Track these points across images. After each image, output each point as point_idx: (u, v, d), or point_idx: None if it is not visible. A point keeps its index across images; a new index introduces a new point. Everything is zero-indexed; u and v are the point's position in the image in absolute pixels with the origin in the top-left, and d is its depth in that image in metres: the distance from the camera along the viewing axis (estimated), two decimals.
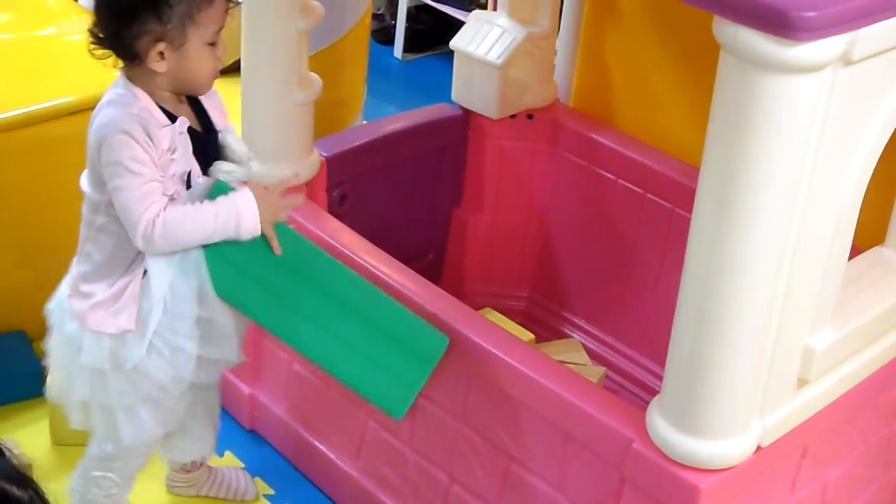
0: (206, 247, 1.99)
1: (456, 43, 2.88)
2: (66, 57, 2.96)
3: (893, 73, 1.75)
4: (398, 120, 2.91)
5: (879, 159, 1.82)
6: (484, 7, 4.42)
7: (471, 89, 2.89)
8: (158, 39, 1.93)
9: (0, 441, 1.30)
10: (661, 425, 1.88)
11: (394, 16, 4.81)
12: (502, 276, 3.08)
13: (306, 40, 2.50)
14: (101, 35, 1.97)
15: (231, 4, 2.01)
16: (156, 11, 1.91)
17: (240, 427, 2.73)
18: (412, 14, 4.78)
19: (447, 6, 4.65)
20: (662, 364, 1.89)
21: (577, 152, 2.90)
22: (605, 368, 2.90)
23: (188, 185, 2.02)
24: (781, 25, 1.52)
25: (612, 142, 2.84)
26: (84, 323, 2.05)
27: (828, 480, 2.18)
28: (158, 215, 1.92)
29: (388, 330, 2.08)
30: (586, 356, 2.91)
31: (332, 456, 2.53)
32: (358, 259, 2.33)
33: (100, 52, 1.99)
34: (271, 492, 2.60)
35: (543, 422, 2.08)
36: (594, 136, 2.87)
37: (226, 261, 2.01)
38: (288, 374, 2.58)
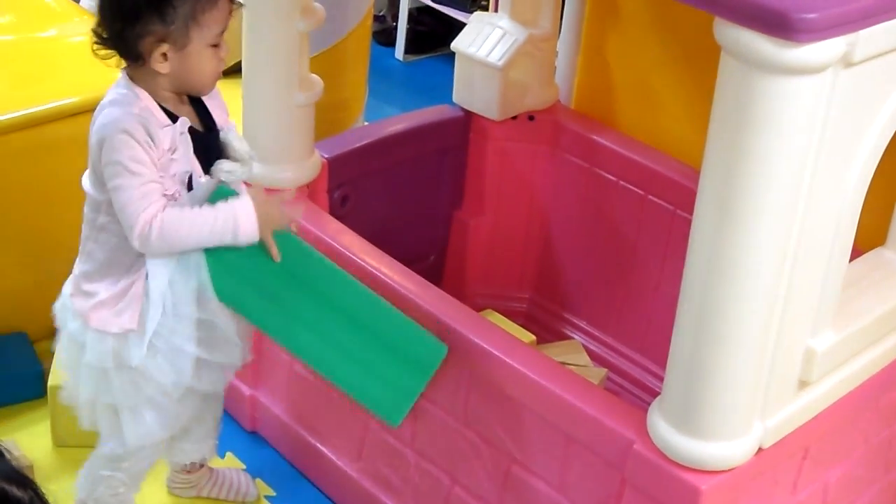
0: (207, 251, 1.99)
1: (457, 44, 2.88)
2: (68, 58, 2.96)
3: (894, 74, 1.75)
4: (399, 121, 2.91)
5: (880, 161, 1.82)
6: (485, 9, 4.42)
7: (472, 91, 2.89)
8: (162, 40, 1.93)
9: (0, 442, 1.30)
10: (662, 427, 1.88)
11: (395, 17, 4.81)
12: (503, 277, 3.08)
13: (307, 42, 2.50)
14: (104, 35, 1.97)
15: (234, 6, 2.01)
16: (159, 12, 1.91)
17: (241, 428, 2.73)
18: (413, 16, 4.79)
19: (448, 8, 4.65)
20: (663, 365, 1.89)
21: (579, 154, 2.90)
22: (606, 370, 2.90)
23: (189, 187, 2.02)
24: (782, 27, 1.52)
25: (613, 143, 2.84)
26: (86, 322, 2.06)
27: (829, 482, 2.17)
28: (156, 216, 1.92)
29: (386, 338, 2.08)
30: (587, 358, 2.91)
31: (333, 457, 2.53)
32: (359, 261, 2.33)
33: (103, 51, 1.99)
34: (272, 493, 2.60)
35: (544, 423, 2.08)
36: (595, 137, 2.87)
37: (227, 266, 2.01)
38: (289, 375, 2.58)
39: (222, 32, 1.99)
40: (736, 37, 1.56)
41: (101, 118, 1.97)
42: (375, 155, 2.81)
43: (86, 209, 2.07)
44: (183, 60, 1.96)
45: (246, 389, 2.66)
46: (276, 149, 2.52)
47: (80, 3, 3.71)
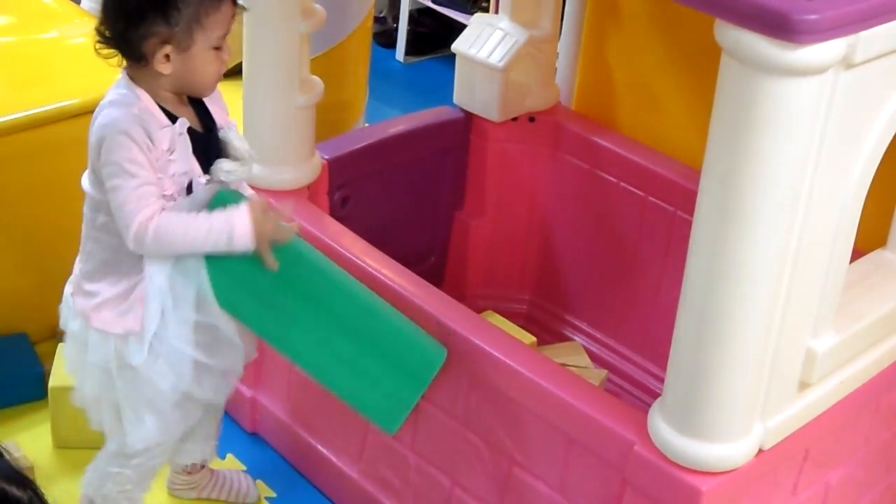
0: (207, 258, 2.00)
1: (457, 46, 2.88)
2: (69, 60, 2.97)
3: (894, 75, 1.75)
4: (400, 123, 2.91)
5: (881, 162, 1.82)
6: (485, 10, 4.42)
7: (472, 92, 2.89)
8: (165, 42, 1.93)
9: (0, 443, 1.30)
10: (662, 428, 1.88)
11: (396, 19, 4.81)
12: (504, 278, 3.08)
13: (308, 43, 2.50)
14: (107, 34, 1.98)
15: (237, 10, 2.01)
16: (164, 14, 1.91)
17: (241, 430, 2.73)
18: (414, 17, 4.79)
19: (449, 9, 4.65)
20: (664, 367, 1.89)
21: (579, 155, 2.90)
22: (606, 371, 2.89)
23: (189, 189, 2.02)
24: (783, 28, 1.52)
25: (613, 144, 2.84)
26: (88, 321, 2.07)
27: (829, 483, 2.17)
28: (152, 219, 1.93)
29: (383, 347, 2.08)
30: (588, 359, 2.92)
31: (333, 459, 2.53)
32: (359, 262, 2.34)
33: (105, 50, 1.99)
34: (273, 494, 2.60)
35: (545, 425, 2.08)
36: (596, 138, 2.87)
37: (226, 272, 2.01)
38: (290, 376, 2.58)
39: (225, 35, 2.00)
40: (736, 38, 1.56)
41: (100, 118, 1.97)
42: (376, 156, 2.81)
43: (85, 209, 2.07)
44: (185, 62, 1.96)
45: (246, 391, 2.66)
46: (277, 150, 2.52)
47: (81, 5, 3.71)
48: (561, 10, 2.93)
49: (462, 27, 3.06)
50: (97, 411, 2.19)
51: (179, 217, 1.96)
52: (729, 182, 1.65)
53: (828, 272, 1.85)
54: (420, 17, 4.81)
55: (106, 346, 2.07)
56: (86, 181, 2.04)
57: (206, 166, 2.04)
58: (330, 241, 2.39)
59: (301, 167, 2.56)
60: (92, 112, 2.02)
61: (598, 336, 2.99)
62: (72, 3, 3.35)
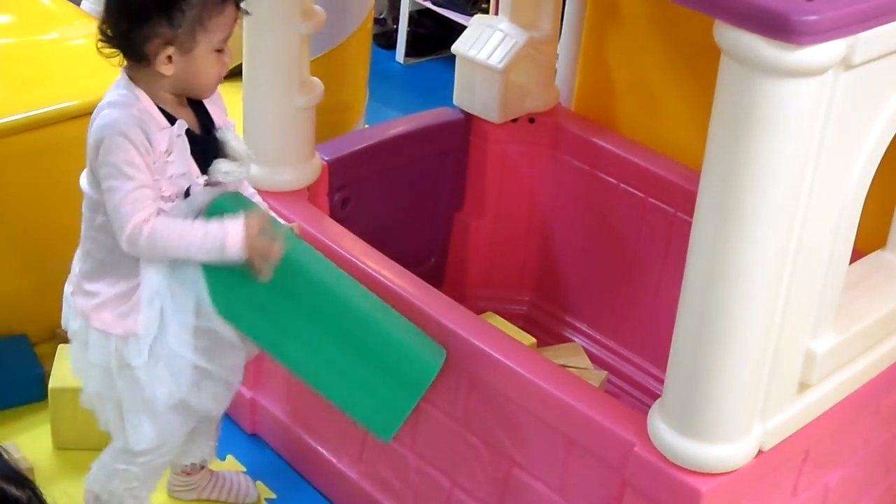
0: (204, 266, 2.00)
1: (457, 47, 2.88)
2: (69, 61, 2.97)
3: (894, 76, 1.75)
4: (400, 124, 2.91)
5: (880, 163, 1.83)
6: (485, 11, 4.42)
7: (472, 93, 2.89)
8: (168, 43, 1.93)
9: (0, 444, 1.30)
10: (662, 429, 1.88)
11: (396, 20, 4.81)
12: (504, 280, 3.08)
13: (308, 45, 2.50)
14: (109, 33, 1.98)
15: (240, 13, 2.02)
16: (168, 16, 1.92)
17: (241, 431, 2.73)
18: (414, 18, 4.79)
19: (449, 10, 4.65)
20: (664, 368, 1.89)
21: (579, 156, 2.90)
22: (606, 372, 2.89)
23: (186, 193, 2.02)
24: (782, 29, 1.52)
25: (613, 146, 2.84)
26: (88, 321, 2.07)
27: (829, 484, 2.17)
28: (147, 221, 1.93)
29: (376, 357, 2.08)
30: (588, 360, 2.91)
31: (333, 460, 2.53)
32: (359, 263, 2.34)
33: (107, 50, 1.99)
34: (273, 496, 2.60)
35: (545, 426, 2.08)
36: (596, 139, 2.87)
37: (222, 281, 2.01)
38: (289, 378, 2.57)
39: (227, 38, 2.00)
40: (736, 39, 1.56)
41: (99, 119, 1.97)
42: (376, 157, 2.81)
43: (84, 209, 2.07)
44: (187, 64, 1.96)
45: (246, 392, 2.66)
46: (277, 151, 2.52)
47: (81, 6, 3.71)
48: (561, 11, 2.93)
49: (462, 28, 3.06)
50: (102, 410, 2.19)
51: (175, 222, 1.96)
52: (728, 183, 1.65)
53: (827, 273, 1.85)
54: (420, 18, 4.81)
55: (106, 346, 2.07)
56: (84, 181, 2.05)
57: (204, 167, 2.04)
58: (330, 243, 2.39)
59: (301, 168, 2.56)
60: (91, 113, 2.02)
61: (598, 337, 2.99)
62: (71, 4, 3.35)
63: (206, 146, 2.05)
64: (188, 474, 2.49)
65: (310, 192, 2.59)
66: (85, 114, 2.64)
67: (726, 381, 1.79)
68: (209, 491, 2.53)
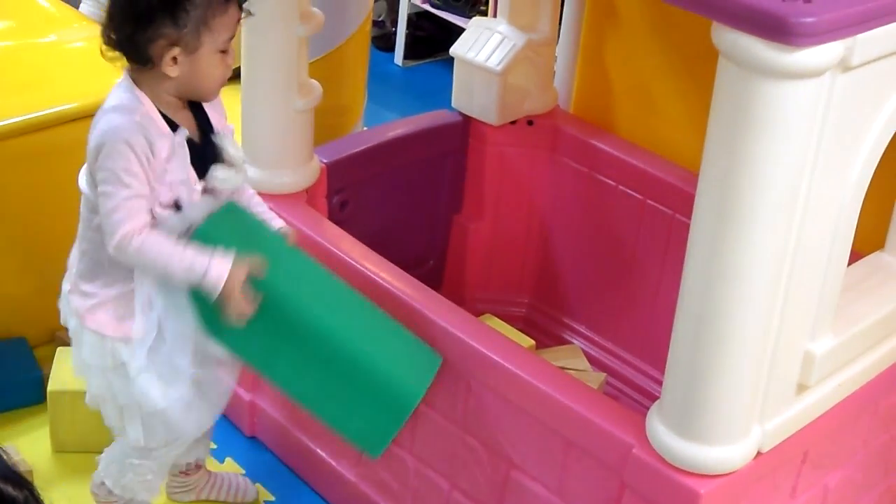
0: (192, 288, 2.00)
1: (456, 49, 2.88)
2: (67, 64, 2.97)
3: (892, 78, 1.75)
4: (398, 126, 2.92)
5: (879, 164, 1.83)
6: (484, 14, 4.42)
7: (471, 96, 2.89)
8: (173, 44, 1.94)
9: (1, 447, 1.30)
10: (661, 431, 1.88)
11: (394, 22, 4.81)
12: (503, 282, 3.09)
13: (307, 47, 2.50)
14: (113, 36, 1.98)
15: (244, 14, 2.02)
16: (172, 16, 1.92)
17: (240, 434, 2.73)
18: (413, 21, 4.79)
19: (447, 13, 4.66)
20: (663, 369, 1.89)
21: (578, 158, 2.90)
22: (605, 374, 2.90)
23: (178, 206, 2.03)
24: (780, 31, 1.52)
25: (612, 148, 2.84)
26: (82, 321, 2.08)
27: (828, 486, 2.17)
28: (139, 232, 1.94)
29: (360, 385, 2.06)
30: (587, 362, 2.92)
31: (332, 462, 2.53)
32: (358, 266, 2.34)
33: (111, 53, 2.00)
34: (272, 498, 2.60)
35: (544, 428, 2.08)
36: (594, 142, 2.87)
37: (208, 303, 2.01)
38: None
39: (231, 39, 2.01)
40: (734, 41, 1.56)
41: (102, 123, 1.98)
42: (375, 160, 2.81)
43: (82, 209, 2.08)
44: (192, 65, 1.97)
45: (245, 394, 2.66)
46: (276, 154, 2.52)
47: (80, 9, 3.71)
48: (559, 13, 2.93)
49: (460, 31, 3.06)
50: (104, 409, 2.20)
51: (165, 242, 1.96)
52: (727, 184, 1.65)
53: (826, 274, 1.85)
54: (419, 20, 4.82)
55: (101, 347, 2.09)
56: (83, 181, 2.05)
57: (202, 173, 2.05)
58: (328, 245, 2.39)
59: (300, 171, 2.56)
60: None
61: (597, 339, 2.99)
62: (70, 7, 3.35)
63: (204, 152, 2.06)
64: (186, 475, 2.50)
65: (308, 195, 2.59)
66: (83, 116, 2.65)
67: (725, 382, 1.79)
68: (208, 491, 2.53)
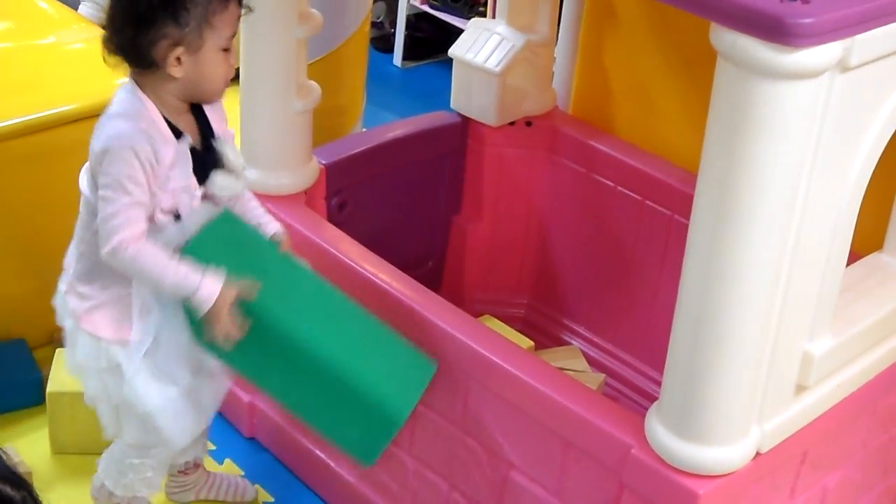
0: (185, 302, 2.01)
1: (454, 50, 2.88)
2: (66, 65, 2.97)
3: (890, 78, 1.75)
4: (397, 127, 2.92)
5: (877, 164, 1.83)
6: (483, 15, 4.42)
7: (470, 97, 2.89)
8: (176, 44, 1.94)
9: (0, 448, 1.30)
10: (659, 431, 1.88)
11: (393, 24, 4.82)
12: (501, 283, 3.09)
13: (305, 48, 2.50)
14: (116, 42, 1.98)
15: (244, 10, 2.02)
16: (174, 15, 1.92)
17: (239, 435, 2.73)
18: (411, 22, 4.79)
19: (446, 14, 4.66)
20: (662, 370, 1.89)
21: (576, 159, 2.90)
22: (604, 375, 2.90)
23: (177, 216, 2.04)
24: (778, 32, 1.52)
25: (610, 149, 2.84)
26: (78, 323, 2.09)
27: (827, 486, 2.18)
28: (136, 240, 1.95)
29: (349, 402, 2.06)
30: (586, 363, 2.92)
31: (331, 463, 2.53)
32: (357, 267, 2.34)
33: (114, 59, 2.00)
34: (271, 499, 2.60)
35: (543, 429, 2.08)
36: (593, 143, 2.87)
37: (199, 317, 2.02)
38: None
39: (233, 36, 2.01)
40: (732, 42, 1.56)
41: (108, 128, 1.97)
42: (373, 161, 2.81)
43: (82, 211, 2.08)
44: (196, 65, 1.97)
45: (244, 395, 2.66)
46: (274, 155, 2.52)
47: (79, 10, 3.71)
48: (558, 14, 2.93)
49: (459, 32, 3.06)
50: (98, 409, 2.21)
51: (159, 254, 1.97)
52: (725, 185, 1.65)
53: (824, 275, 1.85)
54: (417, 21, 4.82)
55: (96, 349, 2.09)
56: (84, 184, 2.05)
57: (202, 178, 2.06)
58: (327, 247, 2.39)
59: (298, 172, 2.56)
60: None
61: (596, 340, 2.99)
62: (69, 8, 3.35)
63: (205, 158, 2.06)
64: (185, 474, 2.50)
65: (307, 196, 2.59)
66: (82, 118, 2.66)
67: (723, 383, 1.79)
68: (207, 490, 2.53)
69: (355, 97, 3.41)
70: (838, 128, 1.69)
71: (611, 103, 2.93)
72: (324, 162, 2.67)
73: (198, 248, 2.00)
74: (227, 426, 2.71)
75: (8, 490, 1.20)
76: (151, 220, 1.99)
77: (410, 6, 4.74)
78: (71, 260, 2.13)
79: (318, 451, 2.56)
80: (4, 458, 1.26)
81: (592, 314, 2.99)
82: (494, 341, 2.18)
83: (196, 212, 2.05)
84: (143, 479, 2.28)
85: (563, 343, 3.02)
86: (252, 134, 2.53)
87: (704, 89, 1.69)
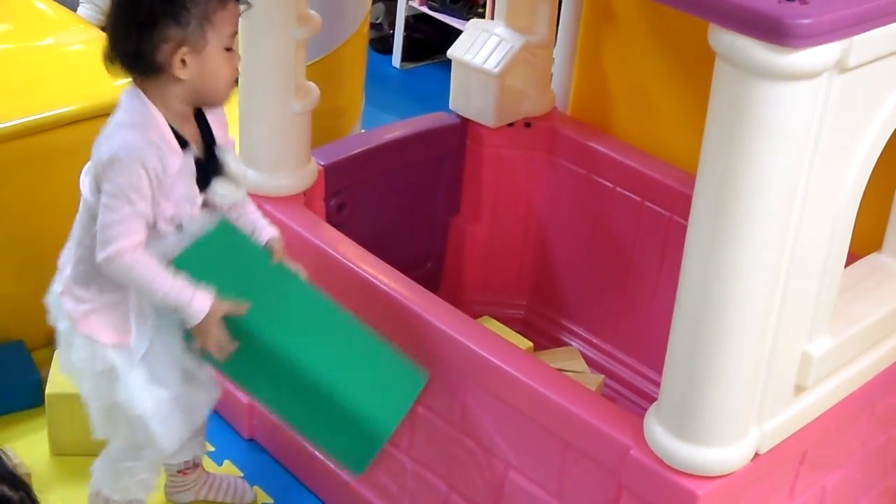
0: None
1: (453, 52, 2.88)
2: (65, 67, 2.97)
3: (889, 79, 1.75)
4: (396, 129, 2.92)
5: (876, 165, 1.83)
6: (481, 16, 4.43)
7: (468, 98, 2.89)
8: (180, 44, 1.94)
9: (0, 449, 1.30)
10: (658, 432, 1.88)
11: (392, 25, 4.82)
12: (500, 284, 3.09)
13: (304, 50, 2.50)
14: (119, 50, 1.98)
15: (243, 7, 2.03)
16: (175, 16, 1.93)
17: (238, 436, 2.73)
18: (410, 23, 4.79)
19: (445, 15, 4.66)
20: (661, 371, 1.89)
21: (575, 160, 2.90)
22: (603, 376, 2.90)
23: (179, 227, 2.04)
24: (777, 33, 1.52)
25: (609, 150, 2.84)
26: (74, 325, 2.09)
27: (826, 487, 2.18)
28: (134, 251, 1.96)
29: (337, 415, 2.06)
30: (585, 364, 2.92)
31: (330, 464, 2.53)
32: (356, 268, 2.34)
33: (118, 69, 2.00)
34: (270, 500, 2.60)
35: (542, 430, 2.08)
36: (592, 144, 2.87)
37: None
38: None
39: (234, 35, 2.01)
40: (730, 43, 1.57)
41: (117, 138, 1.97)
42: (372, 162, 2.81)
43: (83, 214, 2.08)
44: (201, 65, 1.97)
45: (243, 397, 2.66)
46: (273, 156, 2.52)
47: (77, 12, 3.71)
48: (556, 15, 2.93)
49: (458, 33, 3.07)
50: (90, 408, 2.21)
51: (154, 265, 1.98)
52: (724, 186, 1.65)
53: (823, 276, 1.85)
54: (416, 23, 4.82)
55: (92, 352, 2.10)
56: (86, 188, 2.05)
57: (203, 184, 2.07)
58: (326, 248, 2.40)
59: (297, 173, 2.56)
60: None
61: (595, 341, 2.99)
62: (68, 10, 3.35)
63: (206, 166, 2.07)
64: (184, 474, 2.50)
65: (306, 197, 2.59)
66: (81, 119, 2.67)
67: (722, 384, 1.79)
68: (206, 491, 2.53)
69: (354, 98, 3.41)
70: (837, 128, 1.69)
71: (609, 104, 2.93)
72: (323, 163, 2.67)
73: (189, 261, 2.02)
74: (226, 427, 2.71)
75: (6, 490, 1.20)
76: (153, 228, 2.00)
77: (409, 7, 4.74)
78: (67, 261, 2.13)
79: (317, 453, 2.56)
80: (4, 458, 1.26)
81: (591, 315, 2.99)
82: (493, 342, 2.18)
83: (195, 220, 2.06)
84: (139, 481, 2.29)
85: (562, 344, 3.02)
86: (251, 135, 2.53)
87: (703, 90, 1.69)
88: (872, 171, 1.83)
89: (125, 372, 2.08)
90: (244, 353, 2.03)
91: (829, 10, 1.54)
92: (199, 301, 1.98)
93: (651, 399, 2.05)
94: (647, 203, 2.77)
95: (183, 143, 2.01)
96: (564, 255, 3.00)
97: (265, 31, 2.41)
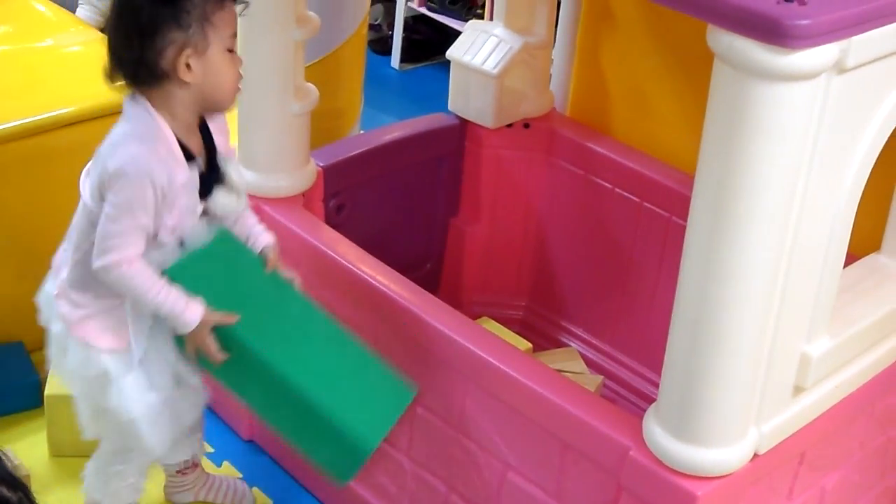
0: None
1: (452, 53, 2.89)
2: (64, 68, 2.97)
3: (887, 80, 1.76)
4: (395, 130, 2.92)
5: (875, 166, 1.83)
6: (480, 17, 4.43)
7: (467, 99, 2.90)
8: (183, 47, 1.94)
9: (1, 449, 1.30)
10: (657, 433, 1.88)
11: (391, 26, 4.82)
12: (500, 285, 3.09)
13: (303, 51, 2.50)
14: (122, 60, 1.98)
15: (239, 8, 2.03)
16: (175, 18, 1.93)
17: (238, 437, 2.73)
18: (409, 24, 4.80)
19: (444, 16, 4.66)
20: (660, 372, 1.89)
21: (574, 161, 2.90)
22: (602, 377, 2.90)
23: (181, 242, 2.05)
24: (775, 33, 1.52)
25: (608, 151, 2.84)
26: (70, 330, 2.10)
27: (825, 488, 2.18)
28: (131, 262, 1.97)
29: (323, 429, 2.07)
30: (584, 365, 2.92)
31: None
32: (355, 269, 2.34)
33: (122, 82, 2.00)
34: (269, 501, 2.60)
35: (541, 430, 2.08)
36: (590, 144, 2.87)
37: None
38: None
39: (234, 35, 2.01)
40: (729, 43, 1.57)
41: (125, 151, 1.96)
42: (371, 163, 2.82)
43: (81, 219, 2.07)
44: (206, 67, 1.97)
45: None
46: (272, 158, 2.52)
47: (77, 14, 3.71)
48: (555, 16, 2.93)
49: (457, 34, 3.07)
50: (78, 409, 2.21)
51: (150, 276, 1.99)
52: (722, 186, 1.65)
53: (822, 276, 1.85)
54: (415, 24, 4.82)
55: (87, 356, 2.10)
56: (86, 192, 2.04)
57: (204, 193, 2.07)
58: (325, 249, 2.40)
59: (296, 174, 2.56)
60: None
61: (594, 342, 2.99)
62: (67, 12, 3.35)
63: (208, 176, 2.07)
64: (183, 474, 2.50)
65: (305, 199, 2.59)
66: (81, 120, 2.67)
67: (721, 384, 1.79)
68: (205, 492, 2.53)
69: (353, 99, 3.41)
70: (835, 129, 1.69)
71: (608, 105, 2.93)
72: (322, 164, 2.67)
73: (184, 271, 2.03)
74: (225, 429, 2.71)
75: (5, 491, 1.20)
76: (154, 238, 2.00)
77: (408, 8, 4.75)
78: (63, 263, 2.13)
79: None
80: (3, 459, 1.27)
81: (590, 316, 2.99)
82: (492, 343, 2.18)
83: (194, 229, 2.06)
84: (128, 485, 2.30)
85: (561, 345, 3.02)
86: (250, 136, 2.53)
87: (701, 91, 1.69)
88: (871, 172, 1.83)
89: (118, 377, 2.08)
90: (234, 362, 2.05)
91: (828, 11, 1.54)
92: (191, 312, 1.99)
93: (650, 400, 2.05)
94: (646, 204, 2.77)
95: (189, 157, 2.01)
96: (563, 256, 3.01)
97: (264, 32, 2.41)
